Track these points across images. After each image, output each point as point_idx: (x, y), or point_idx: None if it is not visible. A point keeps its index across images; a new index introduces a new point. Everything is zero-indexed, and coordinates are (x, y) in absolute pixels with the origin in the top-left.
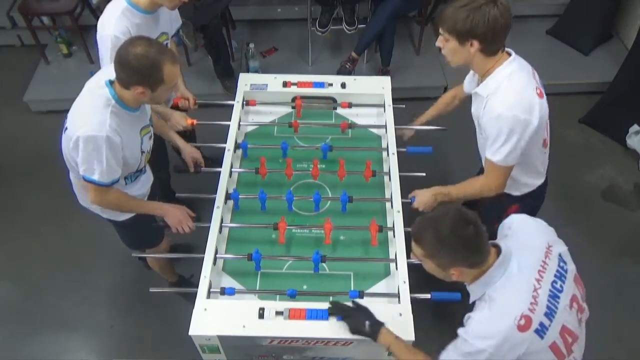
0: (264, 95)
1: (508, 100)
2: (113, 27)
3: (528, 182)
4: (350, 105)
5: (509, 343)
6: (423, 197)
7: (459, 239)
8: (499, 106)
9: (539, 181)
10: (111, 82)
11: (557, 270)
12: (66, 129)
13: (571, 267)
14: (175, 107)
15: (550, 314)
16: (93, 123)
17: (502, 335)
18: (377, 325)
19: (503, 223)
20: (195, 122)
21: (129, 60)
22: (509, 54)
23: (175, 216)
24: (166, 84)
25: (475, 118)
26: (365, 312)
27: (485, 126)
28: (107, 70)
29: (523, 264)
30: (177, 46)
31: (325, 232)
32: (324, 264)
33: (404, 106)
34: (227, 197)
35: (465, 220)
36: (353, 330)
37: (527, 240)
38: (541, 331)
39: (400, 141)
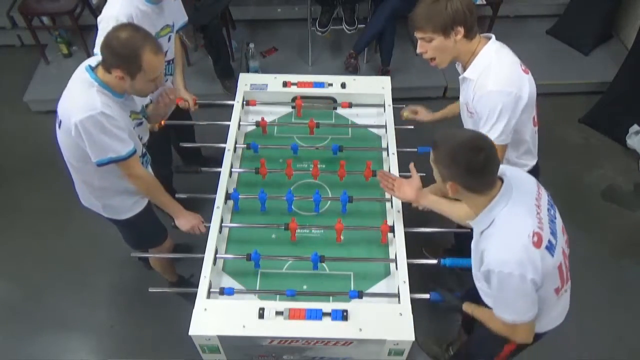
0: (264, 95)
1: (500, 77)
2: (118, 9)
3: (521, 162)
4: (350, 105)
5: (529, 260)
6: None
7: (466, 159)
8: (492, 84)
9: (532, 162)
10: (92, 68)
11: (548, 201)
12: (60, 122)
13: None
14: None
15: (553, 233)
16: (84, 105)
17: (522, 254)
18: (459, 300)
19: None
20: (195, 100)
21: (112, 42)
22: (487, 38)
23: (189, 222)
24: (145, 72)
25: (464, 104)
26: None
27: (476, 106)
28: (91, 59)
29: (523, 192)
30: (182, 41)
31: (336, 232)
32: (323, 264)
33: (404, 106)
34: (227, 197)
35: (478, 146)
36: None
37: (519, 175)
38: (551, 248)
39: (399, 119)
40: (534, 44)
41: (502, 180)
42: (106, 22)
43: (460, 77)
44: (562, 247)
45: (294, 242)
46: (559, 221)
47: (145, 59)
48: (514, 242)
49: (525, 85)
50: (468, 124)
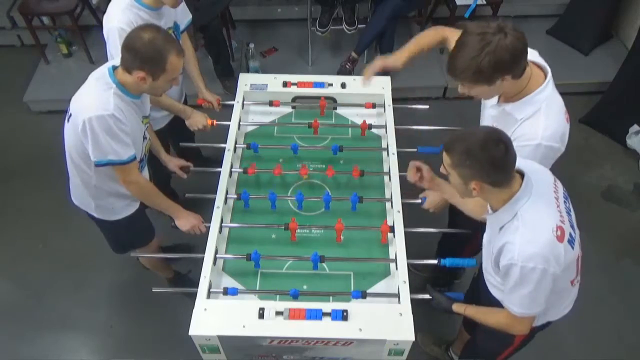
0: (264, 95)
1: (548, 131)
2: (118, 19)
3: None
4: (374, 106)
5: (553, 255)
6: (435, 197)
7: (487, 154)
8: (539, 136)
9: None
10: (114, 68)
11: (564, 194)
12: (70, 115)
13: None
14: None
15: (572, 225)
16: (97, 104)
17: (547, 248)
18: (450, 301)
19: None
20: (215, 122)
21: (136, 43)
22: (542, 70)
23: (188, 222)
24: (168, 73)
25: (492, 123)
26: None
27: (516, 149)
28: (113, 61)
29: (542, 185)
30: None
31: (337, 232)
32: (324, 264)
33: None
34: (237, 196)
35: (496, 138)
36: (437, 305)
37: (535, 167)
38: (571, 241)
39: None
40: (534, 44)
41: (521, 174)
42: (112, 34)
43: (498, 105)
44: (578, 238)
45: (294, 242)
46: (573, 214)
47: (170, 60)
48: (540, 237)
49: (566, 138)
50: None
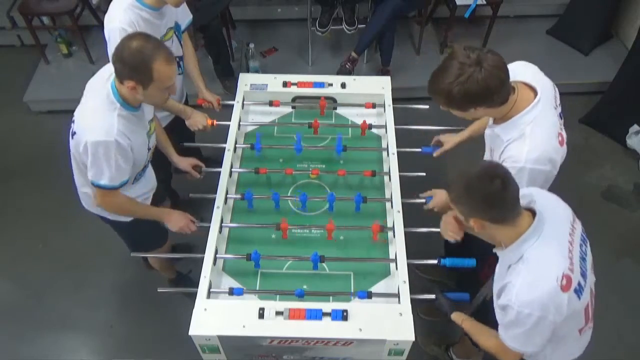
0: (264, 95)
1: (533, 154)
2: (119, 19)
3: None
4: (374, 106)
5: (554, 304)
6: (441, 197)
7: (482, 190)
8: (523, 159)
9: None
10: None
11: (581, 235)
12: (74, 133)
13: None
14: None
15: (584, 274)
16: (101, 128)
17: (547, 297)
18: (452, 308)
19: (522, 193)
20: (215, 122)
21: (123, 53)
22: (533, 90)
23: (177, 222)
24: (157, 82)
25: (489, 146)
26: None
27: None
28: (108, 67)
29: (556, 226)
30: (191, 39)
31: (327, 232)
32: (323, 264)
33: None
34: (228, 197)
35: (492, 174)
36: (439, 306)
37: (554, 204)
38: (579, 291)
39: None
40: (534, 44)
41: (533, 212)
42: (113, 34)
43: (489, 126)
44: (590, 287)
45: (294, 242)
46: (589, 258)
47: (156, 68)
48: (541, 285)
49: (556, 162)
50: (486, 148)
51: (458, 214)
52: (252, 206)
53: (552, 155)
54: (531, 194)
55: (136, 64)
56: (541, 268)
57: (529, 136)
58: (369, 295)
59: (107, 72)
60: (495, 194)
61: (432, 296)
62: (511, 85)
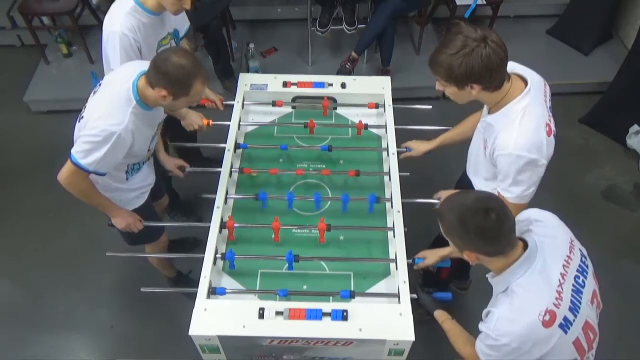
0: (264, 95)
1: (521, 140)
2: (120, 23)
3: None
4: (377, 106)
5: (533, 339)
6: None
7: (476, 225)
8: (511, 145)
9: None
10: (139, 76)
11: (580, 265)
12: (82, 117)
13: (589, 263)
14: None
15: (574, 308)
16: (111, 118)
17: (525, 331)
18: (435, 305)
19: (520, 218)
20: (211, 122)
21: (167, 65)
22: (524, 80)
23: (123, 219)
24: (189, 97)
25: (482, 138)
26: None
27: (495, 159)
28: (131, 66)
29: (548, 259)
30: (190, 45)
31: (319, 232)
32: (324, 264)
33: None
34: (228, 197)
35: (486, 208)
36: (422, 304)
37: (552, 233)
38: (565, 326)
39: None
40: (534, 44)
41: (525, 243)
42: (113, 38)
43: (482, 117)
44: (585, 319)
45: (294, 242)
46: (587, 289)
47: (194, 86)
48: (522, 318)
49: (543, 151)
50: (479, 152)
51: (451, 244)
52: (266, 206)
53: (540, 144)
54: (529, 218)
55: (178, 79)
56: (524, 302)
57: (519, 122)
58: (352, 295)
59: (129, 70)
60: (491, 230)
61: (414, 296)
62: (507, 72)
